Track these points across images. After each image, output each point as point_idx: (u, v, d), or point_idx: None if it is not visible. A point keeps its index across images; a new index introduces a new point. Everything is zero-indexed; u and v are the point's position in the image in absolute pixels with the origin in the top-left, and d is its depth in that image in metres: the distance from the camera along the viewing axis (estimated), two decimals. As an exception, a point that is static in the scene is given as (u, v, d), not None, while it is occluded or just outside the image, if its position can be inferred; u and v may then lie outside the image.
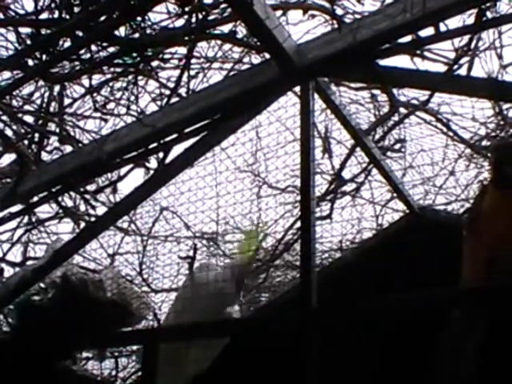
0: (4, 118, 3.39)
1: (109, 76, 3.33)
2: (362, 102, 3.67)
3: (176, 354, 3.88)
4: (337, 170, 4.02)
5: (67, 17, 2.83)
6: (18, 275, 4.31)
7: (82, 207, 4.15)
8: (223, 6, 2.97)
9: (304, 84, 3.21)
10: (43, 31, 2.90)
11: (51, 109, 3.53)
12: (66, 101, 3.55)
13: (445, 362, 3.24)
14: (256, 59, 3.32)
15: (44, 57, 2.97)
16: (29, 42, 2.95)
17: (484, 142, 3.86)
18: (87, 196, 4.00)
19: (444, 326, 3.23)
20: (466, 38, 3.24)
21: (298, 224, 4.02)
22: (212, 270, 4.01)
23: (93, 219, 4.18)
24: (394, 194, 4.22)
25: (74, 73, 3.17)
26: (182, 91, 3.41)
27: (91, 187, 4.01)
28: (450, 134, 3.82)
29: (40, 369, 3.88)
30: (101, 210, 4.12)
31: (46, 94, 3.47)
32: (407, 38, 3.08)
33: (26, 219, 4.38)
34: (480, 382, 3.10)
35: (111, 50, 3.04)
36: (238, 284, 3.95)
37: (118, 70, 3.27)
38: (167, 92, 3.42)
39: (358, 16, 3.08)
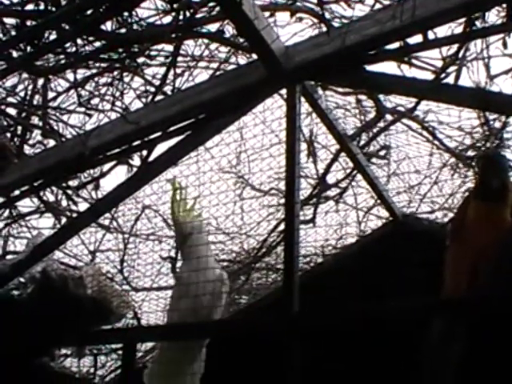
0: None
1: (94, 71, 3.30)
2: (349, 107, 3.66)
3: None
4: (321, 174, 4.01)
5: (53, 9, 2.80)
6: (-3, 269, 4.27)
7: (64, 202, 4.11)
8: (211, 4, 2.95)
9: (291, 87, 3.20)
10: (28, 23, 2.87)
11: (35, 102, 3.50)
12: (50, 94, 3.52)
13: (426, 370, 3.23)
14: (242, 59, 3.31)
15: (28, 49, 2.93)
16: (13, 33, 2.91)
17: (469, 152, 3.86)
18: (69, 191, 3.97)
19: (426, 335, 3.23)
20: (455, 47, 3.23)
21: (281, 227, 4.02)
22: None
23: (74, 215, 4.14)
24: (378, 201, 4.21)
25: (59, 66, 3.14)
26: (168, 89, 3.39)
27: (73, 183, 3.97)
28: (436, 142, 3.82)
29: (17, 365, 3.84)
30: (83, 206, 4.09)
31: (30, 87, 3.44)
32: (395, 45, 3.07)
33: (6, 213, 4.33)
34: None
35: (97, 44, 3.01)
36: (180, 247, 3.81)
37: (104, 65, 3.24)
38: (152, 89, 3.40)
39: (346, 21, 3.07)
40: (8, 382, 3.77)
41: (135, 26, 2.96)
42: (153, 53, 3.22)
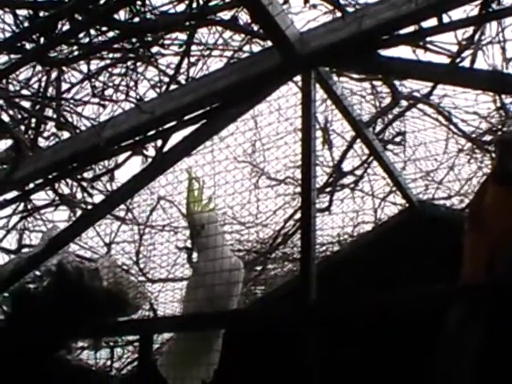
0: (0, 102, 3.34)
1: (108, 61, 3.28)
2: (364, 93, 3.63)
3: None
4: (336, 161, 3.99)
5: (66, -1, 2.79)
6: (13, 263, 4.28)
7: (79, 195, 4.11)
8: (225, -9, 2.93)
9: (305, 73, 3.17)
10: (41, 13, 2.85)
11: (48, 94, 3.48)
12: (64, 86, 3.50)
13: (443, 359, 3.21)
14: (256, 47, 3.28)
15: (42, 40, 2.92)
16: (26, 24, 2.90)
17: (486, 137, 3.82)
18: (84, 183, 3.96)
19: (443, 322, 3.21)
20: (470, 30, 3.19)
21: (298, 215, 4.00)
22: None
23: (89, 207, 4.14)
24: (394, 188, 4.19)
25: (73, 57, 3.13)
26: (182, 78, 3.38)
27: (88, 174, 3.97)
28: (452, 127, 3.78)
29: (34, 358, 3.85)
30: (98, 198, 4.09)
31: (44, 79, 3.42)
32: (410, 29, 3.04)
33: (21, 206, 4.34)
34: (480, 378, 3.08)
35: (110, 34, 3.00)
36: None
37: (117, 55, 3.23)
38: (166, 79, 3.38)
39: (360, 7, 3.03)
40: (24, 375, 3.78)
41: (148, 15, 2.94)
42: (166, 42, 3.20)
